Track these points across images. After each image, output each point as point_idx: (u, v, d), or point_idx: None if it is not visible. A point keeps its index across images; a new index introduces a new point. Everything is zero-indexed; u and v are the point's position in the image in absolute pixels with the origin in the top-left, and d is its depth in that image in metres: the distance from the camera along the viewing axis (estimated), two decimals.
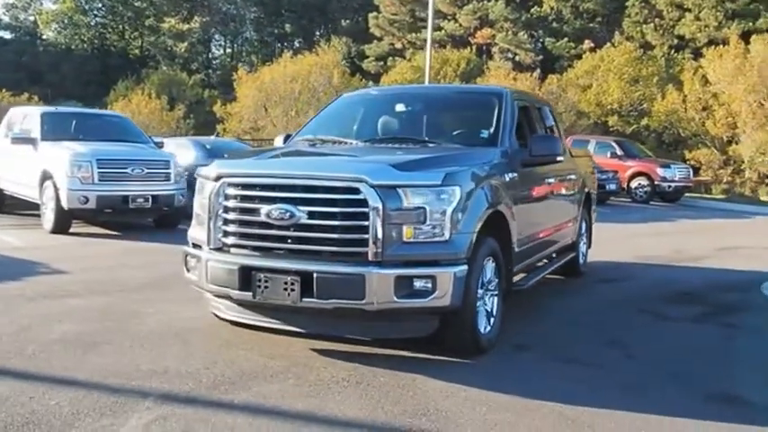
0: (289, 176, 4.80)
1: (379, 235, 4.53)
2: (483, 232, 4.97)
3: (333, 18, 65.24)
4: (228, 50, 71.29)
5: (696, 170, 27.20)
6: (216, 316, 5.64)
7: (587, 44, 46.40)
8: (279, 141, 6.74)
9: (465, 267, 4.71)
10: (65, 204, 11.04)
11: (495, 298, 5.35)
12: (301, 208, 4.66)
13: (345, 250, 4.64)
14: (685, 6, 42.89)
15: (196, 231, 5.34)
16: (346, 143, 6.06)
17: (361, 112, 6.72)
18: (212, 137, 19.13)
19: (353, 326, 4.94)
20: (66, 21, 59.35)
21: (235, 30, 67.55)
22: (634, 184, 22.21)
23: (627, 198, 22.29)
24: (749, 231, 15.61)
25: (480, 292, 5.05)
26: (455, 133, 6.18)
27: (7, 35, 58.16)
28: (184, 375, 4.57)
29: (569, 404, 4.26)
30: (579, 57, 44.57)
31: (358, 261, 4.60)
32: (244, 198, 4.89)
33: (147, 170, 11.64)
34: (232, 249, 4.97)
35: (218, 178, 5.01)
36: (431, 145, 5.79)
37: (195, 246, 5.31)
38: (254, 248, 4.89)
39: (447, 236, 4.66)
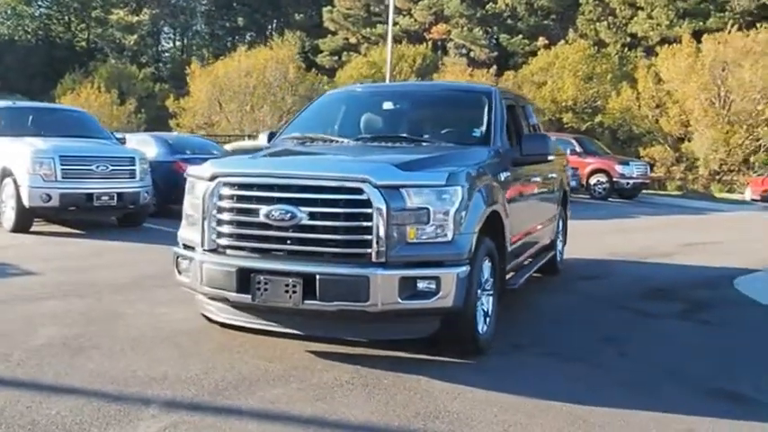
0: (289, 176, 4.70)
1: (383, 236, 4.47)
2: (481, 232, 4.95)
3: (286, 12, 64.66)
4: (179, 43, 70.18)
5: (650, 167, 27.72)
6: (206, 318, 5.52)
7: (542, 41, 46.94)
8: (263, 139, 6.61)
9: (467, 268, 4.69)
10: (26, 202, 10.72)
11: (491, 298, 5.34)
12: (302, 209, 4.57)
13: (348, 251, 4.57)
14: (638, 5, 43.70)
15: (187, 232, 5.20)
16: (337, 141, 5.98)
17: (348, 110, 6.63)
18: (174, 132, 18.70)
19: (353, 328, 4.88)
20: (9, 11, 57.63)
21: (185, 22, 66.49)
22: (593, 180, 22.54)
23: (586, 195, 22.60)
24: (708, 227, 15.97)
25: (479, 292, 5.03)
26: (446, 132, 6.13)
27: None
28: (184, 381, 4.44)
29: (576, 404, 4.27)
30: (534, 53, 45.12)
31: (361, 262, 4.53)
32: (241, 198, 4.77)
33: (111, 167, 11.36)
34: (228, 251, 4.85)
35: (212, 178, 4.87)
36: (424, 144, 5.75)
37: (187, 247, 5.17)
38: (252, 250, 4.78)
39: (450, 236, 4.62)
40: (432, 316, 4.73)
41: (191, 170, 5.26)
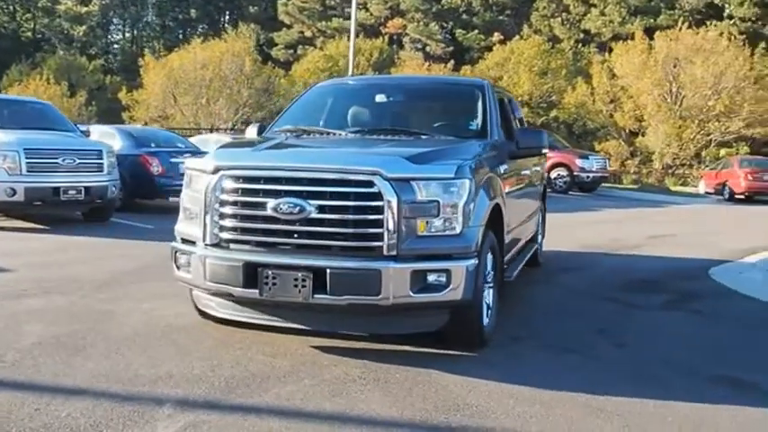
0: (298, 169, 4.60)
1: (394, 229, 4.43)
2: (485, 225, 4.95)
3: (240, 4, 63.95)
4: (129, 35, 68.78)
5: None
6: (200, 314, 5.41)
7: (497, 36, 47.42)
8: (252, 132, 6.46)
9: (476, 261, 4.68)
10: None
11: (492, 290, 5.34)
12: (311, 202, 4.49)
13: (358, 245, 4.51)
14: (591, 2, 44.46)
15: (186, 226, 5.07)
16: (334, 134, 5.89)
17: (341, 103, 6.54)
18: (139, 125, 18.31)
19: (361, 322, 4.83)
20: None
21: (135, 14, 65.21)
22: (554, 174, 22.82)
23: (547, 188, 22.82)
24: (670, 220, 16.33)
25: (484, 285, 5.02)
26: (442, 125, 6.11)
27: None
28: (192, 379, 4.34)
29: (588, 394, 4.30)
30: (489, 48, 45.52)
31: (371, 256, 4.48)
32: (246, 192, 4.66)
33: (78, 160, 11.07)
34: (232, 245, 4.74)
35: (215, 171, 4.76)
36: (424, 137, 5.70)
37: (186, 242, 5.04)
38: (257, 244, 4.68)
39: (459, 229, 4.61)
40: (441, 309, 4.71)
41: (190, 163, 5.13)
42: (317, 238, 4.55)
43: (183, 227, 5.13)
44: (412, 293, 4.46)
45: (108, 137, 13.72)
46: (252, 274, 4.57)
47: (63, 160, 10.87)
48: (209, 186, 4.75)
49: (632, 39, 33.89)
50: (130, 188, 13.08)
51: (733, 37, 31.17)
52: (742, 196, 23.59)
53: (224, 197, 4.70)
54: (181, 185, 14.15)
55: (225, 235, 4.73)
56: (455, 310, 4.75)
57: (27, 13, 59.05)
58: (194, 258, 4.83)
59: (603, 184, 25.12)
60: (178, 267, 5.05)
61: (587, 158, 23.23)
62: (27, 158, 10.53)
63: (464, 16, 52.89)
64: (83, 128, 13.12)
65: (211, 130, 32.26)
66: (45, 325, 5.44)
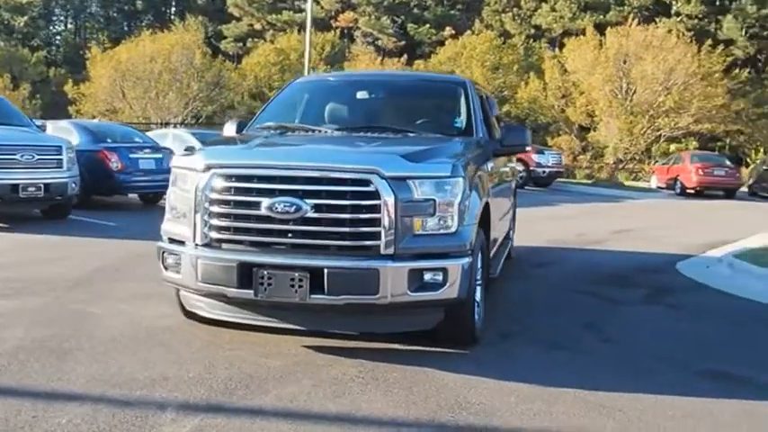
0: (293, 168, 4.54)
1: (392, 228, 4.41)
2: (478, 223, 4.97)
3: None
4: (71, 26, 67.03)
5: None
6: (187, 315, 5.32)
7: (448, 31, 47.63)
8: (231, 129, 6.31)
9: (470, 259, 4.70)
10: None
11: (479, 287, 5.37)
12: (307, 201, 4.44)
13: (354, 244, 4.47)
14: None
15: (174, 226, 4.97)
16: (319, 131, 5.83)
17: (323, 100, 6.46)
18: (95, 119, 17.88)
19: (355, 321, 4.80)
20: None
21: (79, 4, 63.55)
22: None
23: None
24: (627, 215, 16.68)
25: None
26: (427, 123, 6.08)
27: None
28: (189, 382, 4.25)
29: (585, 390, 4.36)
30: (441, 43, 45.72)
31: (368, 255, 4.46)
32: (240, 190, 4.58)
33: (37, 156, 10.74)
34: (224, 245, 4.66)
35: (206, 169, 4.67)
36: (410, 134, 5.68)
37: (173, 241, 4.93)
38: (251, 244, 4.61)
39: (455, 228, 4.61)
40: (436, 307, 4.71)
41: (177, 161, 5.03)
42: (312, 237, 4.50)
43: (170, 226, 5.02)
44: (409, 292, 4.46)
45: (64, 132, 13.36)
46: (247, 275, 4.50)
47: (21, 156, 10.53)
48: (199, 185, 4.66)
49: (583, 34, 34.46)
50: (89, 184, 12.73)
51: (681, 34, 31.94)
52: (693, 191, 24.23)
53: (216, 196, 4.61)
54: (141, 181, 13.92)
55: (216, 234, 4.65)
56: (449, 309, 4.76)
57: None
58: (185, 259, 4.73)
59: (558, 179, 25.49)
60: (166, 268, 4.94)
61: (543, 154, 23.56)
62: None
63: (415, 10, 53.02)
64: (38, 123, 12.74)
65: (161, 125, 31.74)
66: (23, 327, 5.27)
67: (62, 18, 66.95)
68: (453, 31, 47.23)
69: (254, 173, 4.59)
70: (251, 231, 4.59)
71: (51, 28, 65.01)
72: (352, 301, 4.45)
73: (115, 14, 64.96)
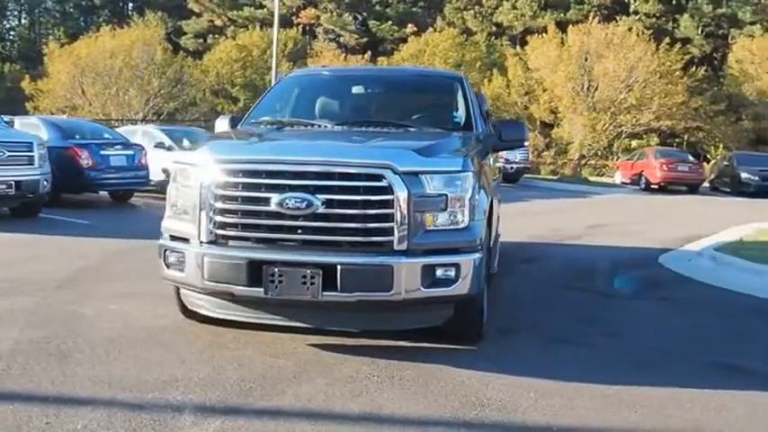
0: (305, 163, 4.44)
1: (405, 223, 4.35)
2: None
3: None
4: (25, 21, 65.36)
5: None
6: (186, 314, 5.20)
7: (411, 28, 47.66)
8: (224, 124, 6.16)
9: (481, 254, 4.66)
10: None
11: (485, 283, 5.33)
12: (318, 196, 4.34)
13: (367, 240, 4.40)
14: None
15: (176, 223, 4.82)
16: (320, 126, 5.74)
17: (319, 94, 6.35)
18: (64, 116, 17.45)
19: (366, 319, 4.74)
20: None
21: None
22: None
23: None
24: (598, 210, 16.90)
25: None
26: (425, 118, 6.03)
27: None
28: (201, 383, 4.13)
29: (600, 384, 4.36)
30: (403, 40, 45.77)
31: (381, 251, 4.39)
32: (248, 186, 4.46)
33: (8, 153, 10.45)
34: (231, 242, 4.55)
35: (213, 165, 4.54)
36: (412, 129, 5.62)
37: (175, 239, 4.79)
38: (259, 240, 4.50)
39: (465, 223, 4.56)
40: (448, 303, 4.67)
41: (180, 156, 4.90)
42: (324, 233, 4.41)
43: (171, 223, 4.88)
44: (423, 288, 4.40)
45: (32, 128, 12.99)
46: (256, 272, 4.39)
47: None
48: (204, 181, 4.53)
49: (544, 32, 34.79)
50: (59, 182, 12.38)
51: (641, 32, 32.44)
52: (657, 186, 24.65)
53: (223, 192, 4.49)
54: (112, 179, 13.64)
55: (223, 231, 4.52)
56: (459, 305, 4.71)
57: None
58: (189, 257, 4.60)
59: (525, 175, 25.70)
60: (168, 266, 4.79)
61: (511, 150, 23.67)
62: None
63: (377, 7, 52.93)
64: (6, 119, 12.38)
65: (122, 121, 31.14)
66: (19, 329, 5.08)
67: (16, 13, 65.22)
68: (415, 28, 47.31)
69: (264, 168, 4.47)
70: (260, 228, 4.48)
71: (5, 23, 63.30)
72: (364, 298, 4.37)
73: (71, 9, 63.47)
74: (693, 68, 35.53)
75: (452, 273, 4.48)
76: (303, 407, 3.86)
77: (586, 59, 31.81)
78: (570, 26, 34.06)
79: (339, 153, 4.61)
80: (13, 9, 64.65)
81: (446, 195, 4.48)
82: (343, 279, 4.30)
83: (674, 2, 45.10)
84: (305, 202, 4.33)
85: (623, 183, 27.26)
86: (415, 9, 52.22)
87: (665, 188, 24.51)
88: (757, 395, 4.33)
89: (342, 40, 52.25)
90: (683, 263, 8.79)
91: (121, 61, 34.82)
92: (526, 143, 6.48)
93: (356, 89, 6.47)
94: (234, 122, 6.13)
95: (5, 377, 4.15)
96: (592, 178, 29.98)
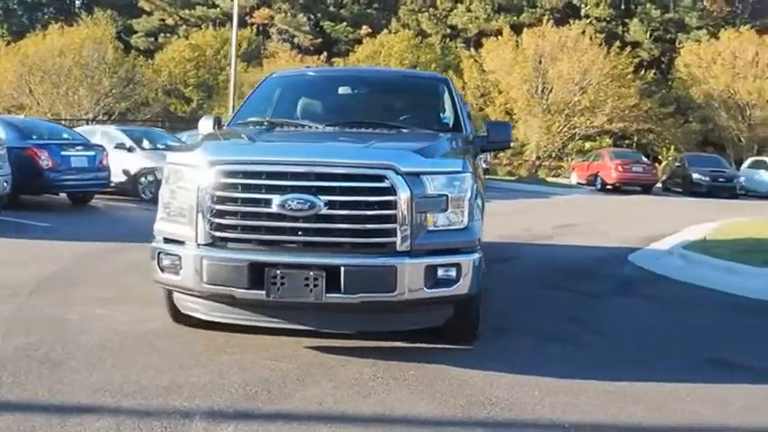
0: (307, 164, 4.39)
1: (408, 224, 4.34)
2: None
3: None
4: None
5: None
6: (176, 318, 5.11)
7: (365, 29, 47.63)
8: (207, 125, 6.03)
9: (480, 254, 4.68)
10: None
11: None
12: (321, 197, 4.31)
13: (370, 241, 4.38)
14: None
15: (170, 225, 4.71)
16: (311, 127, 5.68)
17: (306, 95, 6.30)
18: (21, 115, 16.95)
19: (368, 320, 4.72)
20: None
21: None
22: None
23: None
24: (561, 210, 17.18)
25: None
26: (413, 118, 6.00)
27: None
28: (205, 388, 4.06)
29: (600, 381, 4.43)
30: (358, 41, 45.72)
31: (384, 252, 4.38)
32: (249, 187, 4.40)
33: None
34: (230, 244, 4.48)
35: (211, 166, 4.45)
36: (405, 130, 5.60)
37: (170, 241, 4.69)
38: (261, 242, 4.44)
39: (465, 223, 4.58)
40: (448, 303, 4.67)
41: (174, 158, 4.81)
42: (326, 234, 4.37)
43: (164, 226, 4.77)
44: (425, 289, 4.40)
45: None
46: (258, 275, 4.33)
47: None
48: (202, 182, 4.45)
49: (497, 35, 35.19)
50: (18, 183, 12.04)
51: (594, 35, 33.05)
52: (611, 186, 25.14)
53: (222, 193, 4.41)
54: (73, 180, 13.30)
55: (222, 233, 4.45)
56: (459, 305, 4.73)
57: None
58: (186, 259, 4.51)
59: (485, 176, 25.89)
60: (162, 270, 4.68)
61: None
62: None
63: (332, 8, 52.76)
64: None
65: (71, 121, 30.41)
66: (0, 337, 4.92)
67: None
68: (370, 30, 47.31)
69: (265, 169, 4.41)
70: (261, 230, 4.42)
71: None
72: (368, 300, 4.35)
73: (15, 6, 61.80)
74: (643, 72, 36.32)
75: (453, 273, 4.50)
76: (315, 410, 3.82)
77: (541, 62, 32.25)
78: (525, 29, 34.48)
79: (341, 154, 4.59)
80: None
81: (446, 196, 4.49)
82: (347, 280, 4.28)
83: (623, 7, 46.04)
84: (308, 204, 4.29)
85: (579, 183, 27.72)
86: (369, 10, 52.22)
87: (619, 189, 25.01)
88: (753, 388, 4.46)
89: (296, 40, 51.96)
90: (654, 262, 8.97)
91: (71, 60, 34.04)
92: (512, 144, 6.51)
93: (343, 90, 6.44)
94: (218, 123, 6.04)
95: None
96: (549, 179, 30.40)
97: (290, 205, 4.30)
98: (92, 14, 51.67)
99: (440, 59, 41.45)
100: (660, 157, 33.66)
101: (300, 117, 5.99)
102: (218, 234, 4.45)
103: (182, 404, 3.82)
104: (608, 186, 25.24)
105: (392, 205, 4.33)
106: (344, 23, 50.92)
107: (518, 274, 8.09)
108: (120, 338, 4.99)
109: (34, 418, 3.60)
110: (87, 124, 25.53)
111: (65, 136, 13.96)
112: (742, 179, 25.50)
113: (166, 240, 4.72)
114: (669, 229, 12.81)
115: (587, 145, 33.67)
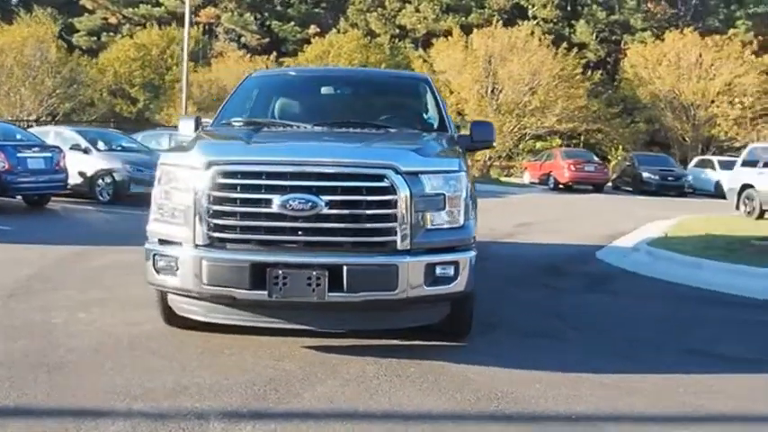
0: (308, 164, 4.41)
1: (408, 223, 4.40)
2: None
3: None
4: None
5: None
6: (169, 321, 5.07)
7: (313, 29, 47.55)
8: (188, 126, 5.97)
9: (475, 252, 4.77)
10: None
11: None
12: (322, 197, 4.33)
13: (371, 240, 4.42)
14: None
15: (165, 227, 4.66)
16: (299, 127, 5.69)
17: (289, 95, 6.31)
18: None
19: (368, 318, 4.76)
20: None
21: None
22: None
23: None
24: (519, 209, 17.49)
25: None
26: (397, 118, 6.06)
27: None
28: (213, 389, 4.05)
29: (594, 374, 4.56)
30: (307, 41, 45.60)
31: (385, 251, 4.43)
32: (248, 188, 4.39)
33: None
34: (229, 245, 4.46)
35: (208, 166, 4.44)
36: (392, 130, 5.64)
37: (165, 243, 4.65)
38: (261, 243, 4.44)
39: (462, 221, 4.66)
40: (445, 301, 4.75)
41: (169, 159, 4.76)
42: (327, 234, 4.40)
43: (159, 227, 4.71)
44: (425, 286, 4.47)
45: None
46: (259, 275, 4.33)
47: None
48: (198, 183, 4.42)
49: (446, 35, 35.50)
50: None
51: (543, 37, 33.63)
52: (564, 186, 25.65)
53: (221, 194, 4.40)
54: (30, 182, 12.98)
55: (221, 234, 4.43)
56: (456, 302, 4.81)
57: None
58: (185, 261, 4.48)
59: None
60: (158, 272, 4.63)
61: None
62: None
63: (279, 8, 52.49)
64: None
65: (15, 122, 29.57)
66: None
67: None
68: (318, 30, 47.26)
69: (265, 169, 4.41)
70: (261, 230, 4.42)
71: None
72: (370, 298, 4.39)
73: None
74: (590, 72, 37.11)
75: (451, 271, 4.57)
76: (327, 407, 3.85)
77: (491, 63, 32.66)
78: (475, 30, 34.87)
79: (341, 154, 4.61)
80: None
81: (444, 195, 4.56)
82: (350, 279, 4.31)
83: (569, 8, 46.94)
84: (309, 203, 4.31)
85: (532, 183, 28.20)
86: (317, 10, 52.10)
87: (571, 188, 25.54)
88: (741, 377, 4.66)
89: (243, 40, 51.54)
90: (621, 258, 9.21)
91: (12, 59, 33.08)
92: (495, 144, 6.62)
93: (326, 90, 6.46)
94: (197, 124, 5.99)
95: None
96: (503, 179, 30.83)
97: (291, 205, 4.31)
98: (31, 12, 50.28)
99: (389, 60, 41.62)
100: (609, 157, 34.43)
101: (285, 117, 6.00)
102: (217, 235, 4.44)
103: (193, 405, 3.81)
104: (561, 185, 25.76)
105: (392, 204, 4.38)
106: (292, 23, 50.74)
107: (491, 272, 8.18)
108: (113, 341, 4.94)
109: (45, 423, 3.57)
110: (29, 126, 24.77)
111: (18, 137, 13.60)
112: (690, 178, 26.29)
113: (161, 242, 4.68)
114: (628, 226, 13.16)
115: (538, 145, 34.25)
